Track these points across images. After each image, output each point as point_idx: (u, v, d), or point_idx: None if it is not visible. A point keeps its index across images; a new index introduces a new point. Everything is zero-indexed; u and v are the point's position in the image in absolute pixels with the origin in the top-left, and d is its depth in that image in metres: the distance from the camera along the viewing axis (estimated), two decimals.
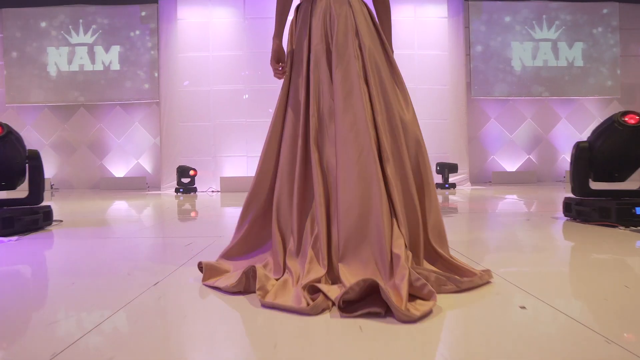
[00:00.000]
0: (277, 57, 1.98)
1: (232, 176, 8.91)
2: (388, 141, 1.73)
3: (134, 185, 10.09)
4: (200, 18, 9.14)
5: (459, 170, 8.75)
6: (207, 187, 8.99)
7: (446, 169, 8.64)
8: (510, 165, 10.88)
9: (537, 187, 8.98)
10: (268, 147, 1.87)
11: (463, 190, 8.33)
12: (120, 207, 5.66)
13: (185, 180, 8.42)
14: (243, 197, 2.01)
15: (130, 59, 10.37)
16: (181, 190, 8.36)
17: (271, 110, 8.12)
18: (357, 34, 1.84)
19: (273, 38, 2.00)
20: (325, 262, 1.59)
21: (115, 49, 10.38)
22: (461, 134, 9.18)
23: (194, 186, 8.54)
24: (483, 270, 1.66)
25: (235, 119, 9.06)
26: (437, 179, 8.79)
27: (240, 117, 9.04)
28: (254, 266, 1.60)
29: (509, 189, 8.05)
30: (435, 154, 8.99)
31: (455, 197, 6.49)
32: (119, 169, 10.52)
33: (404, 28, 9.05)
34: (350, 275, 1.51)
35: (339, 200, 1.65)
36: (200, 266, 1.76)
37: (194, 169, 8.39)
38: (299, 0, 2.00)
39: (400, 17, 9.04)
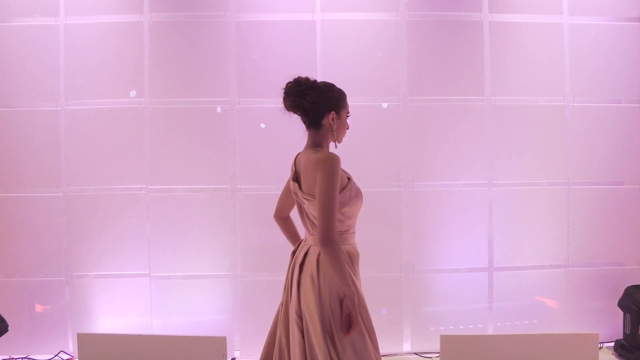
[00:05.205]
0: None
1: (108, 332, 3.56)
2: None
3: None
4: None
5: None
6: (55, 348, 3.69)
7: None
8: None
9: None
10: None
11: None
12: None
13: None
14: None
15: None
16: None
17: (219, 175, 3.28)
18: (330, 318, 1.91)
19: (349, 288, 1.89)
20: None
21: None
22: None
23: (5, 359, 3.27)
24: None
25: (125, 183, 3.72)
26: (614, 329, 3.65)
27: (134, 180, 3.71)
28: None
29: None
30: (605, 267, 3.81)
31: None
32: None
33: None
34: None
35: None
36: None
37: None
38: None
39: None
